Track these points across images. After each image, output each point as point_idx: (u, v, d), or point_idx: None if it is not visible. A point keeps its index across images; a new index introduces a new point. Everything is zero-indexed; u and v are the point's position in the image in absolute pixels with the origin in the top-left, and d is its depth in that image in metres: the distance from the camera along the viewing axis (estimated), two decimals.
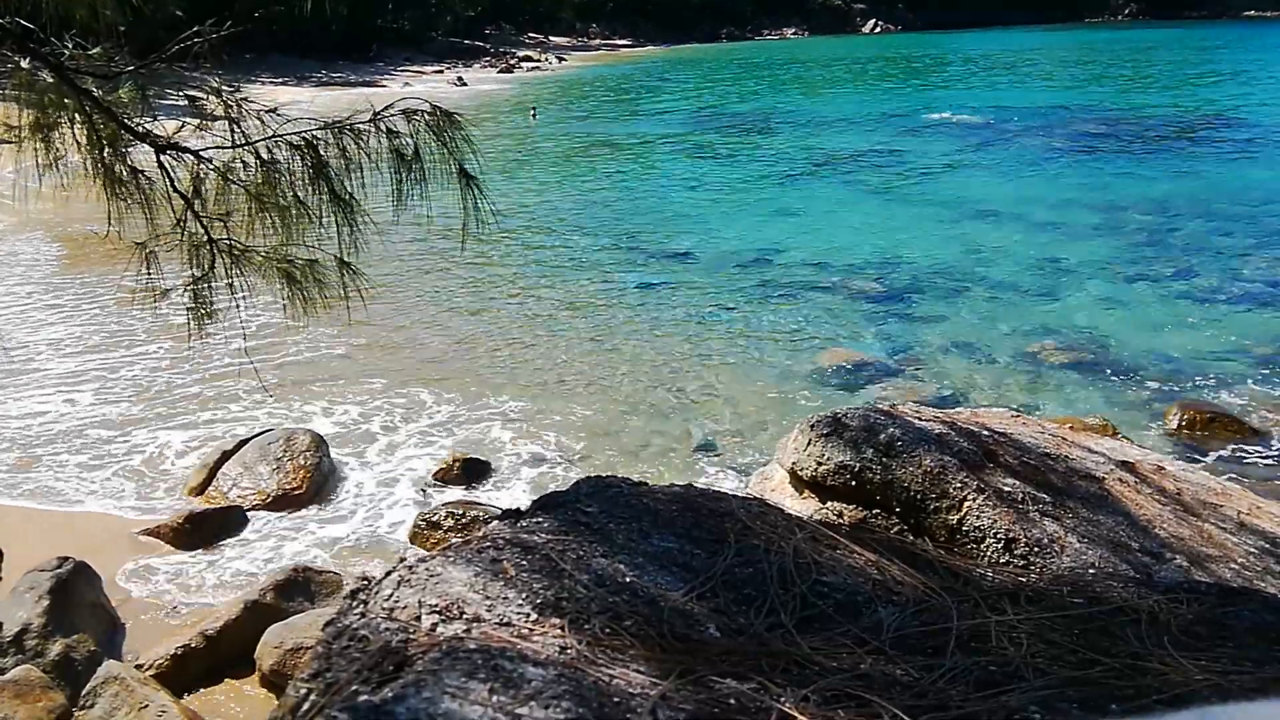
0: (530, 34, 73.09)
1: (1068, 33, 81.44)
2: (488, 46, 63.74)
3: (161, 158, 3.37)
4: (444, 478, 7.21)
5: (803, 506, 2.93)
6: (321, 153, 3.32)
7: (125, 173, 3.41)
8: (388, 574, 1.45)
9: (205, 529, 6.33)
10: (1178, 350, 9.59)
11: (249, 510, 6.67)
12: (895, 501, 2.80)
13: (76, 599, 5.12)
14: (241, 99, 3.38)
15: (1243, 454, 7.40)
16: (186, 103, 3.79)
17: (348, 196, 3.39)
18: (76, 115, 3.29)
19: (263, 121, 3.36)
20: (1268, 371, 8.98)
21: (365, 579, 1.49)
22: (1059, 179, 18.90)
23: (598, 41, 77.05)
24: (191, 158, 3.39)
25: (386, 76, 47.94)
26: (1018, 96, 34.34)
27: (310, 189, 3.37)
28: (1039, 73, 45.98)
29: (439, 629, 1.26)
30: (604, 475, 2.06)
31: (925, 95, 36.94)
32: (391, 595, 1.37)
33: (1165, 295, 11.42)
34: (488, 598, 1.36)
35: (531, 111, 33.38)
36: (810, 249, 14.08)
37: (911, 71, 49.56)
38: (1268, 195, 16.57)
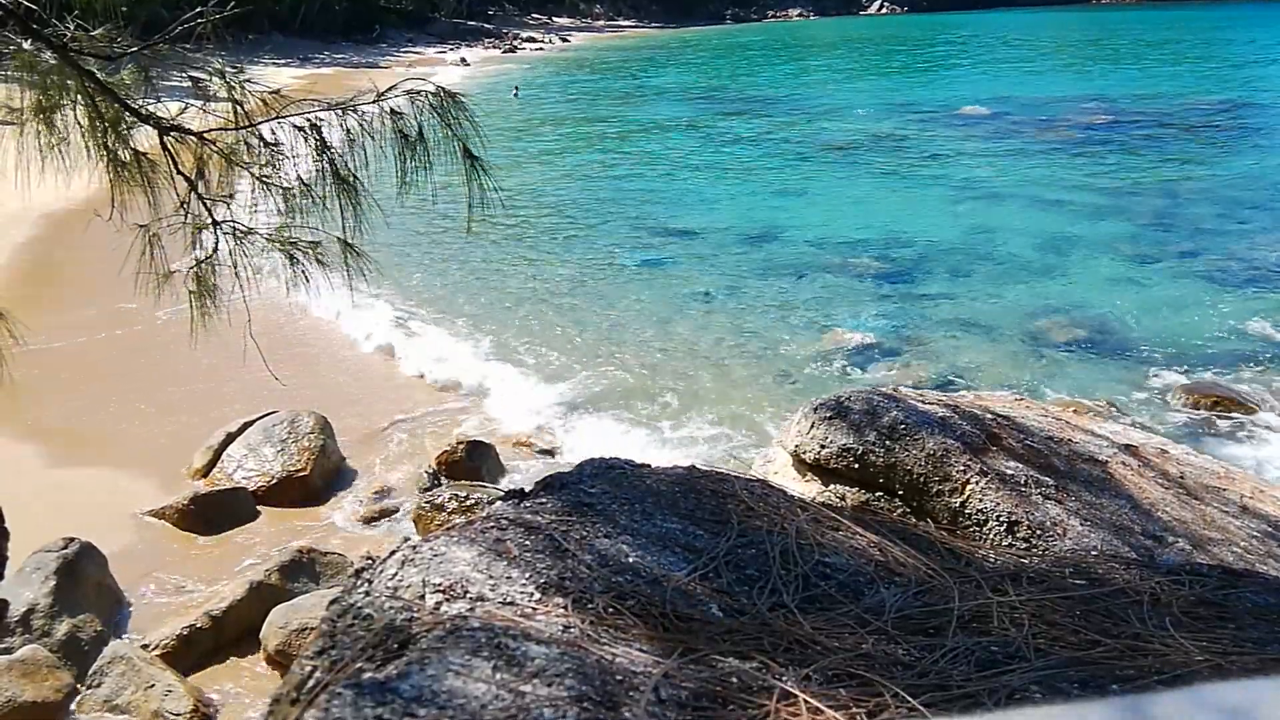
0: (534, 15, 72.65)
1: (1076, 13, 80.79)
2: (491, 27, 63.38)
3: (165, 139, 3.37)
4: (447, 460, 7.22)
5: (806, 489, 2.93)
6: (325, 134, 3.31)
7: (128, 154, 3.41)
8: (392, 554, 1.46)
9: (210, 510, 6.36)
10: (1183, 334, 9.57)
11: (254, 492, 6.70)
12: (898, 484, 2.80)
13: (82, 579, 5.15)
14: (245, 80, 3.37)
15: (1247, 438, 7.39)
16: (190, 84, 3.78)
17: (351, 178, 3.38)
18: (79, 97, 3.28)
19: (265, 103, 3.35)
20: (1273, 355, 8.96)
21: (370, 559, 1.50)
22: (1065, 162, 18.80)
23: (602, 23, 76.59)
24: (195, 139, 3.38)
25: (389, 57, 47.70)
26: (1024, 80, 34.11)
27: (314, 170, 3.37)
28: (1046, 56, 45.65)
29: (443, 608, 1.27)
30: (607, 456, 2.06)
31: (930, 78, 36.72)
32: (396, 575, 1.37)
33: (1171, 278, 11.39)
34: (491, 577, 1.36)
35: (514, 90, 33.35)
36: (814, 230, 14.04)
37: (916, 54, 49.22)
38: (1277, 180, 16.47)
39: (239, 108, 3.33)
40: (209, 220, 3.49)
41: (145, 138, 3.42)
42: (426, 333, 10.25)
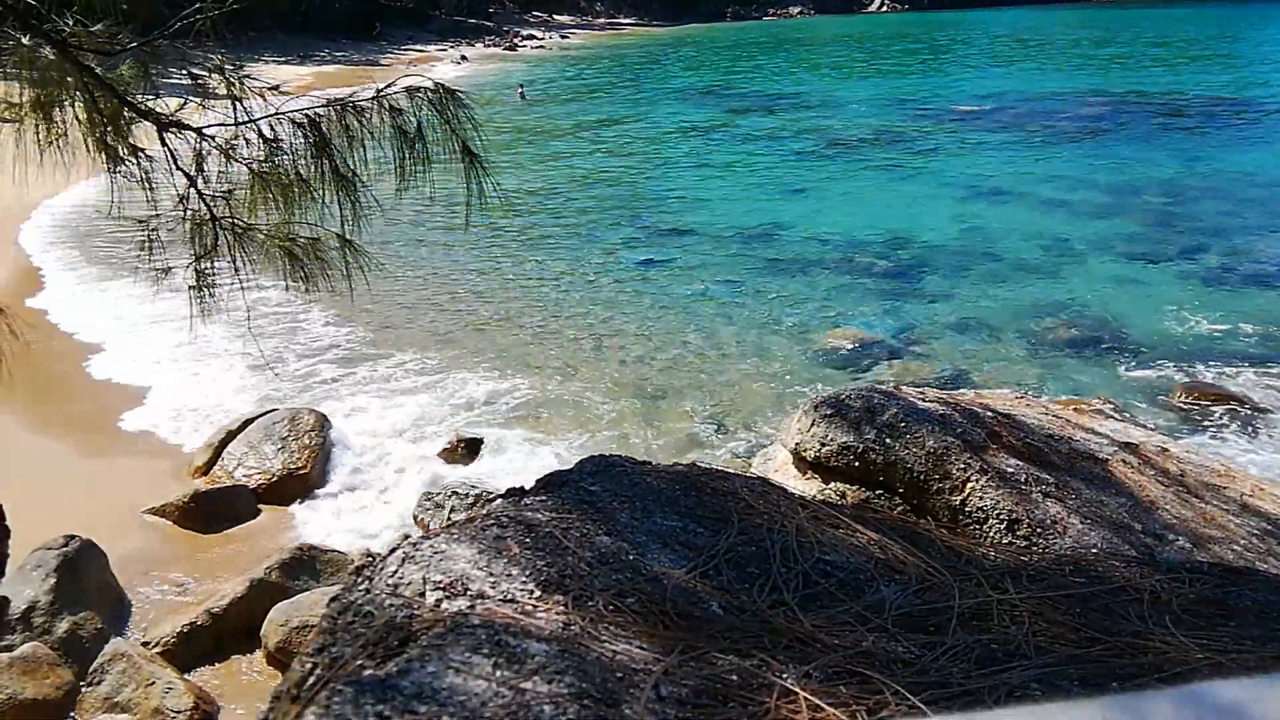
0: (534, 12, 72.56)
1: (1078, 11, 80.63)
2: (491, 25, 63.30)
3: (164, 135, 3.36)
4: (447, 457, 7.23)
5: (806, 487, 2.94)
6: (324, 130, 3.31)
7: (127, 150, 3.40)
8: (392, 551, 1.46)
9: (210, 508, 6.35)
10: (1184, 332, 9.57)
11: (254, 490, 6.69)
12: (898, 482, 2.80)
13: (83, 577, 5.15)
14: (244, 76, 3.36)
15: (1247, 436, 7.39)
16: (189, 80, 3.77)
17: (350, 174, 3.37)
18: (78, 93, 3.28)
19: (264, 99, 3.35)
20: (1274, 354, 8.95)
21: (370, 556, 1.50)
22: (1066, 160, 18.78)
23: (602, 20, 76.50)
24: (194, 135, 3.37)
25: (390, 55, 47.70)
26: (1026, 78, 34.07)
27: (313, 167, 3.36)
28: (1047, 54, 45.58)
29: (443, 605, 1.27)
30: (607, 454, 2.06)
31: (930, 75, 36.67)
32: (396, 572, 1.37)
33: (1172, 276, 11.37)
34: (491, 575, 1.36)
35: (519, 90, 32.27)
36: (814, 228, 14.03)
37: (917, 52, 49.17)
38: (1277, 177, 16.44)
39: (238, 104, 3.32)
40: (208, 216, 3.49)
41: (145, 134, 3.41)
42: (423, 332, 10.24)
